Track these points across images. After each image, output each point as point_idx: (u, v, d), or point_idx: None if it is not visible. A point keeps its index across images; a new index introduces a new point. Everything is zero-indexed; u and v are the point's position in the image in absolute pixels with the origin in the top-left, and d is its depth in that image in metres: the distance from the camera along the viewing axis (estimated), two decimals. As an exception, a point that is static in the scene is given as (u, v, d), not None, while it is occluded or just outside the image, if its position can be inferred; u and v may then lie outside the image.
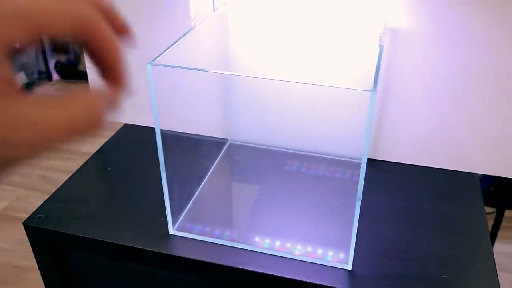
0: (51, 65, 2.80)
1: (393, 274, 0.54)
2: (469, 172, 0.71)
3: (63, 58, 2.92)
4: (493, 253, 0.56)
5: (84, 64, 2.83)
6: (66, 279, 0.68)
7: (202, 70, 0.51)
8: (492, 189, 1.67)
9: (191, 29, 0.58)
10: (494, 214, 1.57)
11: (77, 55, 2.84)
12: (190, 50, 0.59)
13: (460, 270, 0.55)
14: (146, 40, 0.74)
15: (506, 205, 1.57)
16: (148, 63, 0.48)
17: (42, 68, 2.77)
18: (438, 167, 0.72)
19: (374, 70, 0.50)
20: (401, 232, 0.60)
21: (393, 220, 0.62)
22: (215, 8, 0.66)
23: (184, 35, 0.56)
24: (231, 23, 0.70)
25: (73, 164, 1.87)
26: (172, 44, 0.53)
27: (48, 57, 2.76)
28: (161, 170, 0.56)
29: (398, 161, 0.74)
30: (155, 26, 0.73)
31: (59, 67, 2.83)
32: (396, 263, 0.56)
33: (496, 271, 0.54)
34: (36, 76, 2.77)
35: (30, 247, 0.65)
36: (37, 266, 0.67)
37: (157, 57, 0.50)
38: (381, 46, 0.54)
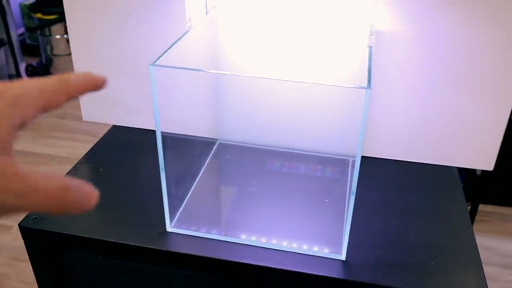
0: (21, 68, 2.74)
1: (385, 263, 0.57)
2: (449, 166, 0.75)
3: (34, 61, 2.86)
4: (475, 239, 0.60)
5: (55, 67, 2.78)
6: (61, 280, 0.68)
7: (203, 71, 0.53)
8: (463, 185, 1.75)
9: (187, 31, 0.60)
10: (468, 208, 1.64)
11: (49, 58, 2.79)
12: (183, 52, 0.60)
13: (446, 257, 0.58)
14: (135, 42, 0.75)
15: (477, 200, 1.65)
16: (150, 64, 0.49)
17: (12, 71, 2.71)
18: (420, 161, 0.76)
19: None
20: (390, 224, 0.64)
21: (382, 213, 0.66)
22: (207, 11, 0.67)
23: (181, 37, 0.57)
24: (221, 26, 0.72)
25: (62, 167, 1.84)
26: (171, 46, 0.54)
27: (18, 59, 2.70)
28: (160, 170, 0.58)
29: (383, 157, 0.77)
30: (147, 27, 0.74)
31: (30, 70, 2.77)
32: (387, 252, 0.59)
33: (479, 255, 0.58)
34: (6, 79, 2.70)
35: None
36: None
37: (158, 58, 0.51)
38: (370, 47, 0.57)
